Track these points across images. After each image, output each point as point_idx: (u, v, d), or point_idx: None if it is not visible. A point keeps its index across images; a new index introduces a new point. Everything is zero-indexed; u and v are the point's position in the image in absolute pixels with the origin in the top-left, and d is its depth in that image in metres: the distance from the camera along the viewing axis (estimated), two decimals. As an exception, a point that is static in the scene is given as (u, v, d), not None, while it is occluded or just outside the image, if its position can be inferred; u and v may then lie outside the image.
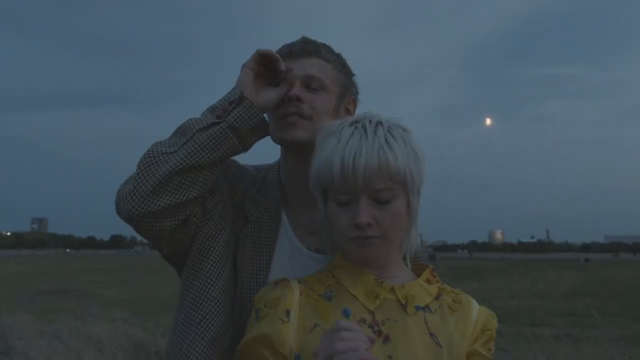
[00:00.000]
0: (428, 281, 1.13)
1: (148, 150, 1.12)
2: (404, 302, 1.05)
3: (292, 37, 1.31)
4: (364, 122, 1.06)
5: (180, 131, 1.15)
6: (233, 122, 1.13)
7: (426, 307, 1.07)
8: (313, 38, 1.30)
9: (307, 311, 1.05)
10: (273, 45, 1.28)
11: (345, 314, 1.03)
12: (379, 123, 1.06)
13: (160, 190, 1.07)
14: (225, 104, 1.16)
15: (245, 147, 1.18)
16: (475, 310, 1.11)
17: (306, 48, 1.26)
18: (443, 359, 1.01)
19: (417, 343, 1.01)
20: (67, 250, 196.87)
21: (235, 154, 1.18)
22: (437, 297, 1.10)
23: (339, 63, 1.29)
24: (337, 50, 1.31)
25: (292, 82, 1.21)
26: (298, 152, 1.24)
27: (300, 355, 1.00)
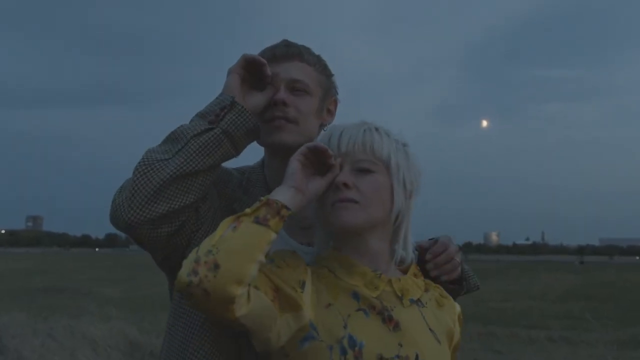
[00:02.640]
0: (415, 275, 1.16)
1: (143, 158, 1.12)
2: (400, 294, 1.08)
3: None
4: (357, 122, 1.16)
5: (172, 138, 1.15)
6: (226, 127, 1.15)
7: (419, 301, 1.10)
8: (294, 40, 1.35)
9: (319, 288, 1.05)
10: (263, 46, 1.33)
11: (355, 297, 1.05)
12: (374, 126, 1.14)
13: (158, 198, 1.08)
14: (216, 109, 1.17)
15: (237, 152, 1.20)
16: (457, 305, 1.21)
17: (289, 52, 1.29)
18: (442, 354, 1.07)
19: (421, 335, 1.05)
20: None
21: (229, 159, 1.19)
22: (426, 291, 1.15)
23: (320, 65, 1.33)
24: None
25: (277, 86, 1.25)
26: (285, 155, 1.25)
27: (316, 326, 1.00)
